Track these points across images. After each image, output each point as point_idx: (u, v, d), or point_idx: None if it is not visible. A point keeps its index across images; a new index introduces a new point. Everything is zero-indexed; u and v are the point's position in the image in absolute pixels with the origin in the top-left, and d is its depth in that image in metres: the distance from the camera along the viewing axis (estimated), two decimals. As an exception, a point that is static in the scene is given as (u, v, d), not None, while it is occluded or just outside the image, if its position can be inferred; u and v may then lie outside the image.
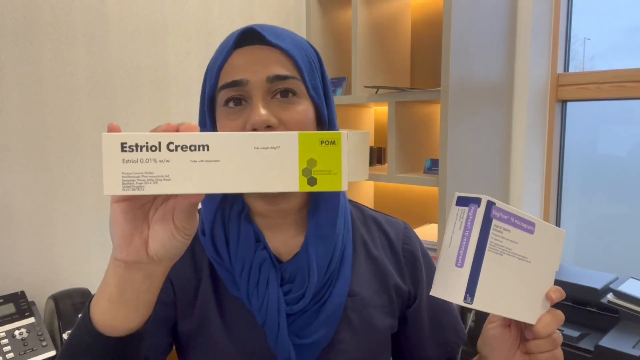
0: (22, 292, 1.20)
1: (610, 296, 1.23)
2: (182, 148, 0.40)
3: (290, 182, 0.41)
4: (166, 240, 0.46)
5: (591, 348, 1.12)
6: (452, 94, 1.34)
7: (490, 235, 0.51)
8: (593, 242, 1.67)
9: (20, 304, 1.16)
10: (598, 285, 1.26)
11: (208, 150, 0.40)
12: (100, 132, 1.38)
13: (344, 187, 0.42)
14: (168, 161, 0.40)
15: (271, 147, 0.41)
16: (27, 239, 1.28)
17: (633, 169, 1.56)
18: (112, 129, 0.42)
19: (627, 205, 1.57)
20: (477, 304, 0.50)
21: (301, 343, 0.62)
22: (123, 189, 0.40)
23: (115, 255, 0.46)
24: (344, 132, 0.42)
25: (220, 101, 0.62)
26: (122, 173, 0.40)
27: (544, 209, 1.65)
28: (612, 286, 1.25)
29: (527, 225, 0.54)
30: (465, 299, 0.50)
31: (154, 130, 0.44)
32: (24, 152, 1.25)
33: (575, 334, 1.17)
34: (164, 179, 0.40)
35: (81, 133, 1.34)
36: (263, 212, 0.67)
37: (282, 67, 0.61)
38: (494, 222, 0.51)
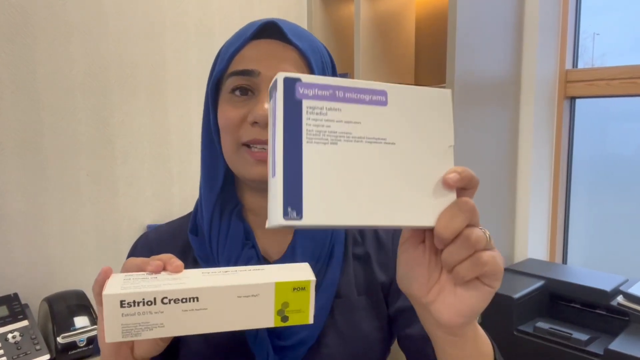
0: (16, 294, 1.19)
1: (620, 298, 1.21)
2: (174, 301, 0.46)
3: (266, 320, 0.48)
4: (151, 347, 0.52)
5: (600, 352, 1.11)
6: (457, 90, 1.33)
7: (305, 121, 0.38)
8: (602, 242, 1.66)
9: (13, 307, 1.15)
10: (607, 287, 1.25)
11: (198, 301, 0.46)
12: (96, 130, 1.38)
13: (310, 321, 0.49)
14: (162, 312, 0.46)
15: (252, 295, 0.47)
16: (21, 240, 1.27)
17: (643, 167, 1.56)
18: (105, 274, 0.48)
19: (637, 204, 1.56)
20: (312, 218, 0.37)
21: (281, 345, 0.61)
22: (122, 337, 0.45)
23: None
24: (313, 279, 0.49)
25: (226, 87, 0.62)
26: (122, 324, 0.45)
27: (552, 208, 1.64)
28: (622, 288, 1.23)
29: (370, 96, 0.40)
30: (286, 214, 0.36)
31: (140, 267, 0.50)
32: (18, 150, 1.25)
33: (584, 337, 1.16)
34: (158, 327, 0.46)
35: (76, 131, 1.34)
36: (256, 209, 0.68)
37: (295, 67, 0.61)
38: (305, 102, 0.38)
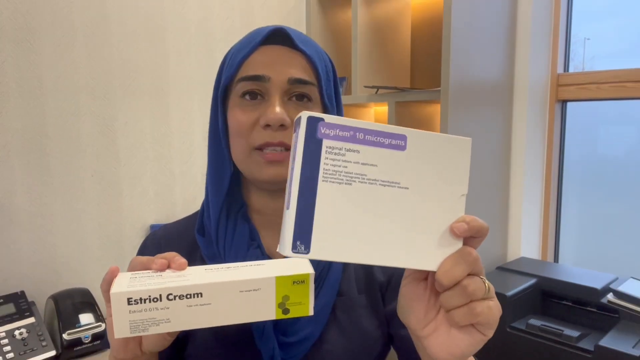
0: (22, 292, 1.19)
1: (610, 296, 1.21)
2: (179, 297, 0.47)
3: (268, 313, 0.49)
4: (158, 342, 0.52)
5: (591, 348, 1.11)
6: (452, 94, 1.33)
7: (322, 160, 0.40)
8: (593, 242, 1.65)
9: (20, 304, 1.16)
10: (598, 285, 1.25)
11: (202, 296, 0.47)
12: (99, 132, 1.37)
13: (310, 313, 0.50)
14: (168, 308, 0.47)
15: (253, 290, 0.48)
16: (27, 239, 1.27)
17: (633, 169, 1.54)
18: (112, 273, 0.49)
19: (627, 205, 1.56)
20: (319, 253, 0.40)
21: (286, 341, 0.62)
22: (130, 333, 0.47)
23: (114, 355, 0.53)
24: (311, 272, 0.50)
25: (236, 92, 0.63)
26: (130, 321, 0.46)
27: (544, 208, 1.63)
28: (612, 286, 1.23)
29: (389, 140, 0.41)
30: (294, 248, 0.39)
31: (145, 265, 0.51)
32: (23, 152, 1.25)
33: (575, 334, 1.16)
34: (164, 322, 0.47)
35: (81, 133, 1.34)
36: (261, 209, 0.68)
37: (304, 72, 0.62)
38: (325, 142, 0.40)
